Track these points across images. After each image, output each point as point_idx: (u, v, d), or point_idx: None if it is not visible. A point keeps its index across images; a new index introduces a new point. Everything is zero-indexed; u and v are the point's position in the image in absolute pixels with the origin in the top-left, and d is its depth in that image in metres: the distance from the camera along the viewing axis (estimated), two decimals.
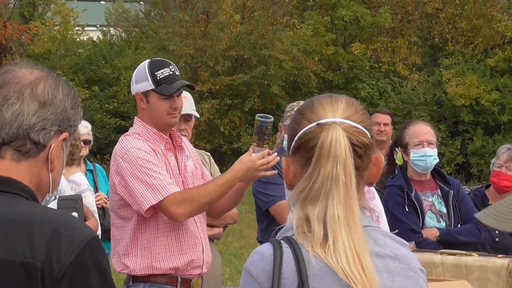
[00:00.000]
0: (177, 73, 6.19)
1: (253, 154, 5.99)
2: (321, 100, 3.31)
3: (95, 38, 41.32)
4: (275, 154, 6.09)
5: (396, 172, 8.02)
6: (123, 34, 40.41)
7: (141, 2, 42.31)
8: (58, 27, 41.28)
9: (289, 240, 3.12)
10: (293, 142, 3.24)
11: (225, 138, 33.38)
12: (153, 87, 5.98)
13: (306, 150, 3.19)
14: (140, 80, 6.07)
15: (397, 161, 8.24)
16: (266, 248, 3.12)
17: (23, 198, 2.85)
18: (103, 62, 36.82)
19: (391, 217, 7.15)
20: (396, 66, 35.09)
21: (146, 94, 6.04)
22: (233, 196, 6.11)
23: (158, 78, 6.00)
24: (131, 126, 6.25)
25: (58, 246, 2.71)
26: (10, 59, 36.17)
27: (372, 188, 6.85)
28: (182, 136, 6.33)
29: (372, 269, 3.10)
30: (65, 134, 2.93)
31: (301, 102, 8.01)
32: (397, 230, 6.72)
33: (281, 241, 3.12)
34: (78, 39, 41.15)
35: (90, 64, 36.38)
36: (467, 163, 32.25)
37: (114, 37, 40.93)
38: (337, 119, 3.19)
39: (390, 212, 7.24)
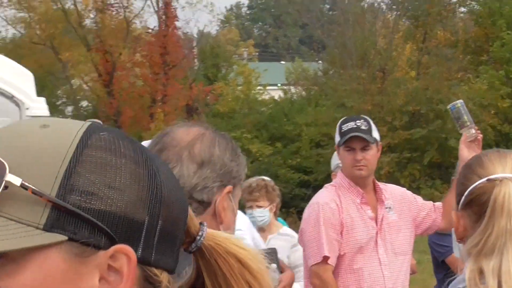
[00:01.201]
0: (362, 127, 6.13)
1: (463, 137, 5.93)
2: (489, 155, 3.42)
3: (276, 97, 41.46)
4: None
5: None
6: (303, 92, 40.37)
7: (319, 61, 42.39)
8: (240, 87, 41.79)
9: None
10: (463, 197, 3.35)
11: None
12: (339, 139, 6.12)
13: (477, 205, 3.30)
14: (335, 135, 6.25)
15: None
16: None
17: None
18: (285, 120, 36.79)
19: None
20: None
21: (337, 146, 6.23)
22: None
23: (342, 130, 6.11)
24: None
25: None
26: (196, 119, 36.51)
27: None
28: (382, 189, 6.27)
29: None
30: (228, 188, 2.95)
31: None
32: None
33: None
34: (260, 98, 41.54)
35: (272, 121, 36.40)
36: None
37: (295, 95, 41.02)
38: (507, 175, 3.27)
39: None
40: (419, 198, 6.39)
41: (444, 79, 34.33)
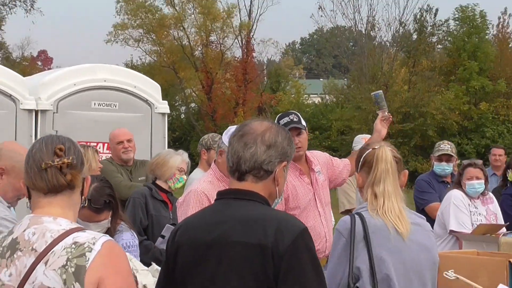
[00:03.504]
0: (295, 120, 5.34)
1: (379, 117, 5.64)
2: (372, 142, 3.83)
3: (316, 101, 41.35)
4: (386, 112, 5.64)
5: (508, 185, 7.73)
6: (334, 98, 39.93)
7: (345, 79, 42.12)
8: (293, 95, 41.36)
9: (359, 213, 3.44)
10: (360, 161, 3.57)
11: None
12: None
13: (368, 163, 3.53)
14: None
15: (509, 178, 8.03)
16: (347, 218, 3.45)
17: (260, 203, 2.78)
18: (321, 116, 36.52)
19: (504, 214, 6.87)
20: (509, 117, 33.96)
21: None
22: None
23: (280, 124, 5.09)
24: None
25: (282, 234, 2.63)
26: (264, 115, 36.88)
27: (492, 196, 6.85)
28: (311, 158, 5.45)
29: (408, 220, 3.43)
30: (284, 163, 2.84)
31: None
32: (508, 223, 6.56)
33: (355, 214, 3.44)
34: (305, 102, 41.10)
35: (313, 117, 36.04)
36: None
37: (328, 100, 40.61)
38: (383, 145, 3.58)
39: (504, 210, 6.94)
40: (334, 160, 5.73)
41: (426, 91, 34.05)
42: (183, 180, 6.30)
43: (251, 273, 2.61)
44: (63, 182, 2.51)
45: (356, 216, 3.42)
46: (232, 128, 4.97)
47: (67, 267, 2.36)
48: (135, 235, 4.53)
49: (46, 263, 2.41)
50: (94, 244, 2.43)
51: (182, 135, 37.67)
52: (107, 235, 2.55)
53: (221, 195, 2.86)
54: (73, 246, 2.40)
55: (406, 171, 3.62)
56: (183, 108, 40.49)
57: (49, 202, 2.54)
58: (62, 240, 2.42)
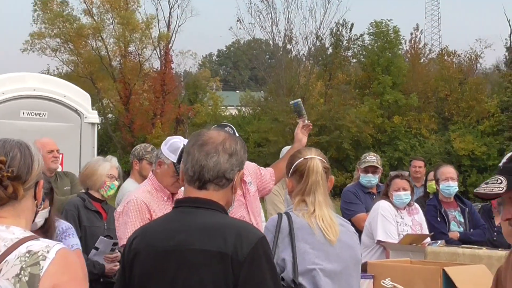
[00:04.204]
0: (231, 132, 4.81)
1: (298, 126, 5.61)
2: (302, 148, 3.99)
3: (233, 113, 41.51)
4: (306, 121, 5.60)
5: (431, 196, 7.80)
6: (251, 110, 40.23)
7: (261, 91, 42.38)
8: (210, 107, 41.41)
9: (286, 212, 3.62)
10: (291, 169, 3.70)
11: None
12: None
13: (299, 172, 3.66)
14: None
15: (428, 190, 8.28)
16: (275, 216, 3.62)
17: (219, 212, 2.79)
18: (239, 128, 36.41)
19: (429, 225, 6.97)
20: (421, 130, 34.93)
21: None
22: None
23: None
24: None
25: (241, 242, 2.63)
26: (182, 127, 36.88)
27: (418, 206, 6.94)
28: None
29: (338, 227, 3.59)
30: (241, 171, 2.87)
31: (369, 155, 7.85)
32: (432, 233, 6.71)
33: (282, 214, 3.62)
34: (223, 114, 41.21)
35: None
36: (466, 191, 32.09)
37: (246, 112, 40.81)
38: (312, 156, 3.68)
39: (428, 221, 7.02)
40: (262, 169, 5.60)
41: (341, 105, 34.55)
42: (114, 186, 6.18)
43: (211, 280, 2.62)
44: (3, 196, 2.46)
45: (283, 215, 3.58)
46: (172, 139, 4.97)
47: (20, 276, 2.33)
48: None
49: None
50: (48, 252, 2.39)
51: (99, 146, 36.87)
52: (61, 243, 2.51)
53: (179, 203, 2.85)
54: (27, 255, 2.37)
55: (332, 177, 3.78)
56: (101, 118, 39.81)
57: None
58: (16, 249, 2.39)
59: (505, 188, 2.36)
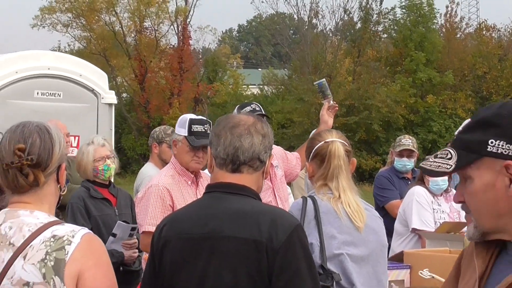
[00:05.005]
0: (257, 109, 5.58)
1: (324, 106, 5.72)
2: (323, 131, 3.93)
3: (255, 92, 41.43)
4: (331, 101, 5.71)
5: None
6: (274, 90, 40.15)
7: (285, 69, 42.20)
8: (231, 86, 41.40)
9: (311, 196, 3.68)
10: (312, 153, 3.76)
11: None
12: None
13: (320, 156, 3.71)
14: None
15: None
16: (299, 200, 3.70)
17: (252, 198, 2.81)
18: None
19: None
20: (457, 111, 34.61)
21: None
22: None
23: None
24: None
25: (276, 230, 2.67)
26: (201, 107, 36.97)
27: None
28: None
29: (364, 212, 3.67)
30: (272, 155, 2.91)
31: (404, 138, 7.78)
32: None
33: (306, 197, 3.68)
34: (244, 93, 41.17)
35: None
36: None
37: (268, 92, 40.72)
38: (333, 139, 3.74)
39: None
40: (288, 153, 5.82)
41: (371, 83, 34.31)
42: (108, 167, 5.90)
43: (244, 268, 2.65)
44: (23, 184, 2.54)
45: (308, 198, 3.65)
46: (186, 116, 5.05)
47: (46, 261, 2.42)
48: None
49: (24, 257, 2.47)
50: (73, 237, 2.49)
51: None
52: (86, 228, 2.60)
53: (211, 188, 2.87)
54: (52, 239, 2.45)
55: (355, 160, 3.83)
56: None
57: (19, 199, 2.59)
58: (41, 234, 2.48)
59: (453, 166, 2.02)
